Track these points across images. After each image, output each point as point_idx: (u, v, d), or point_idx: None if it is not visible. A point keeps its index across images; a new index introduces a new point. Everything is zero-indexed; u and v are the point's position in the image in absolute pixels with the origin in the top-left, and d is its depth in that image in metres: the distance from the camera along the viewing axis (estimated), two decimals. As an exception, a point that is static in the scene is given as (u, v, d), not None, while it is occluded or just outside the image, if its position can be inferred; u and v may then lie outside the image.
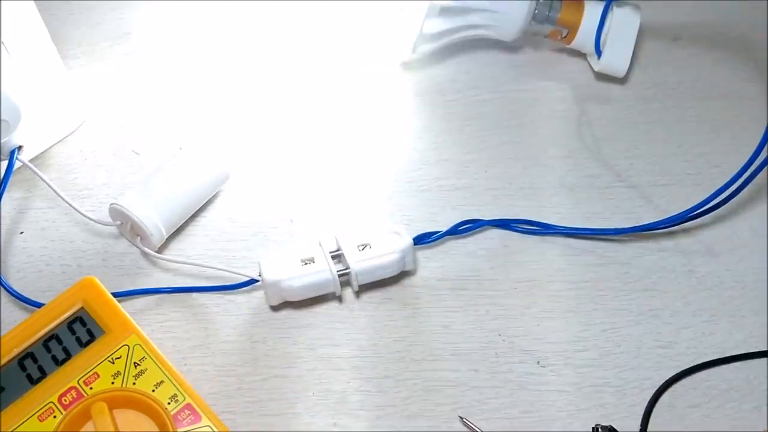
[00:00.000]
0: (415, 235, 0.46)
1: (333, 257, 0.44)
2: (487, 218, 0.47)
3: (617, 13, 0.51)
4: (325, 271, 0.43)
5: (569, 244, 0.47)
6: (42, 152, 0.51)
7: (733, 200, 0.48)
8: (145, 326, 0.43)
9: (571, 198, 0.49)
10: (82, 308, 0.42)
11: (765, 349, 0.43)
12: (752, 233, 0.47)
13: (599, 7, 0.51)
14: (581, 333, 0.44)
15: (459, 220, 0.47)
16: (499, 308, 0.45)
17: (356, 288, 0.44)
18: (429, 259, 0.47)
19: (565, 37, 0.52)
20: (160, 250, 0.47)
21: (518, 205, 0.48)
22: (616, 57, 0.51)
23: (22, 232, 0.48)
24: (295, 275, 0.43)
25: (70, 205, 0.46)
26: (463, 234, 0.47)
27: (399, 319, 0.45)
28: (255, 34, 0.58)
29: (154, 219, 0.45)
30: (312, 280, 0.43)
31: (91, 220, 0.47)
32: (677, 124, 0.52)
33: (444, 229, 0.47)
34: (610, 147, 0.51)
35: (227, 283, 0.45)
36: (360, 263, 0.43)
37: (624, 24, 0.51)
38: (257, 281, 0.44)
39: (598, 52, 0.52)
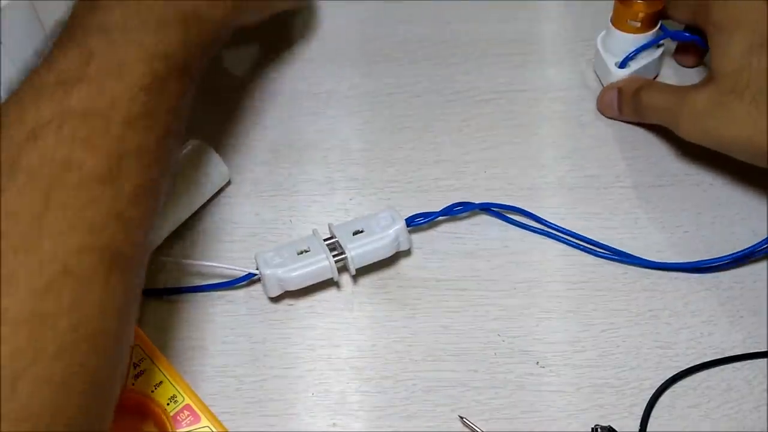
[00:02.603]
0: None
1: (328, 245, 0.44)
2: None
3: (654, 54, 0.52)
4: (321, 258, 0.44)
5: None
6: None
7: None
8: (144, 327, 0.42)
9: (571, 198, 0.49)
10: (80, 309, 0.42)
11: (764, 349, 0.43)
12: (752, 233, 0.47)
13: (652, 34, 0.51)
14: (580, 333, 0.44)
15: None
16: (499, 308, 0.45)
17: (353, 272, 0.44)
18: (428, 260, 0.47)
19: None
20: (157, 250, 0.47)
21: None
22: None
23: (20, 233, 0.48)
24: (292, 265, 0.43)
25: None
26: (455, 215, 0.48)
27: (398, 319, 0.45)
28: (254, 33, 0.58)
29: None
30: (309, 267, 0.43)
31: None
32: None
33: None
34: (609, 147, 0.51)
35: (225, 281, 0.45)
36: (355, 248, 0.44)
37: (650, 66, 0.52)
38: (255, 275, 0.44)
39: (623, 64, 0.51)
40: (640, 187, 0.49)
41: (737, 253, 0.45)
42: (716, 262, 0.45)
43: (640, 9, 0.49)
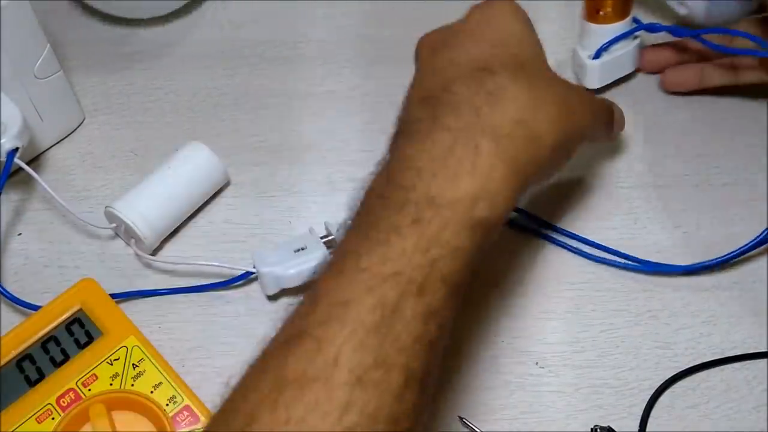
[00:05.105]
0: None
1: (325, 243, 0.45)
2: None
3: (629, 46, 0.51)
4: (318, 255, 0.44)
5: (568, 248, 0.47)
6: (40, 154, 0.51)
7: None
8: (143, 328, 0.43)
9: (570, 198, 0.49)
10: (80, 310, 0.42)
11: (764, 349, 0.43)
12: (751, 234, 0.47)
13: None
14: (580, 334, 0.44)
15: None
16: (498, 309, 0.45)
17: None
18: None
19: None
20: (155, 252, 0.47)
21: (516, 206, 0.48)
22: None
23: (20, 234, 0.48)
24: (289, 262, 0.43)
25: (67, 208, 0.46)
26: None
27: (398, 320, 0.45)
28: (253, 34, 0.58)
29: (147, 222, 0.45)
30: (306, 264, 0.43)
31: (88, 224, 0.47)
32: (675, 125, 0.52)
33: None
34: (608, 148, 0.51)
35: (222, 280, 0.45)
36: None
37: (624, 58, 0.52)
38: (252, 273, 0.44)
39: (597, 55, 0.51)
40: (640, 187, 0.49)
41: (730, 254, 0.45)
42: (712, 263, 0.45)
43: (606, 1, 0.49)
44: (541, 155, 0.35)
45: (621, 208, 0.49)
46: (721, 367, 0.43)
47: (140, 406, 0.40)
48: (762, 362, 0.43)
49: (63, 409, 0.39)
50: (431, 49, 0.39)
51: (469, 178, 0.32)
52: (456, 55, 0.37)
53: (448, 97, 0.35)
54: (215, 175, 0.48)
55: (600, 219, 0.48)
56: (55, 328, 0.42)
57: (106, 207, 0.46)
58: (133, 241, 0.46)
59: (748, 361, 0.43)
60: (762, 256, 0.46)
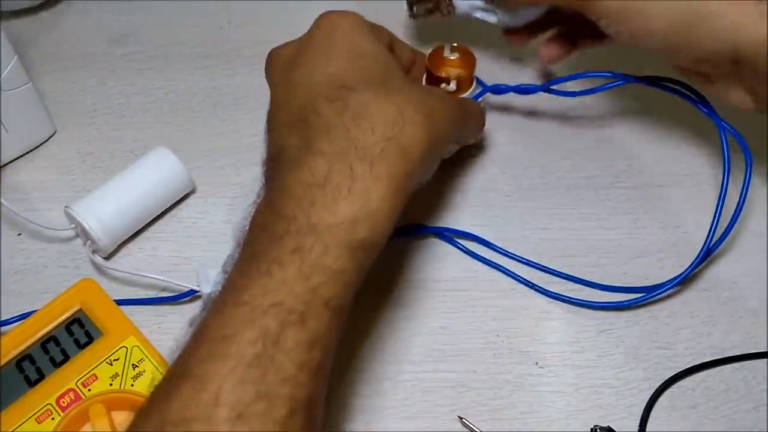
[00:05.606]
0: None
1: None
2: (457, 227, 0.47)
3: None
4: None
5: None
6: (24, 155, 0.51)
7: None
8: (143, 328, 0.42)
9: (570, 199, 0.49)
10: (80, 310, 0.42)
11: (763, 349, 0.43)
12: (750, 234, 0.47)
13: None
14: (579, 334, 0.44)
15: (455, 223, 0.48)
16: (497, 309, 0.45)
17: None
18: (426, 260, 0.47)
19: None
20: (110, 256, 0.47)
21: (515, 206, 0.48)
22: None
23: (19, 234, 0.48)
24: None
25: (26, 218, 0.46)
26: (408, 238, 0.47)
27: (397, 320, 0.45)
28: (253, 34, 0.58)
29: (101, 224, 0.45)
30: None
31: (43, 227, 0.46)
32: (675, 125, 0.52)
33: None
34: (609, 147, 0.51)
35: (171, 294, 0.45)
36: None
37: None
38: (197, 291, 0.44)
39: None
40: (639, 187, 0.49)
41: (676, 277, 0.44)
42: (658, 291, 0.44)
43: (451, 75, 0.47)
44: (414, 167, 0.35)
45: (621, 208, 0.49)
46: (721, 367, 0.43)
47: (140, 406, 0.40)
48: (762, 362, 0.43)
49: (63, 409, 0.39)
50: (284, 67, 0.38)
51: (346, 202, 0.32)
52: (311, 71, 0.36)
53: (316, 119, 0.35)
54: (180, 179, 0.47)
55: (599, 219, 0.48)
56: (55, 328, 0.42)
57: (65, 207, 0.46)
58: (89, 242, 0.46)
59: (748, 361, 0.43)
60: (762, 255, 0.46)
